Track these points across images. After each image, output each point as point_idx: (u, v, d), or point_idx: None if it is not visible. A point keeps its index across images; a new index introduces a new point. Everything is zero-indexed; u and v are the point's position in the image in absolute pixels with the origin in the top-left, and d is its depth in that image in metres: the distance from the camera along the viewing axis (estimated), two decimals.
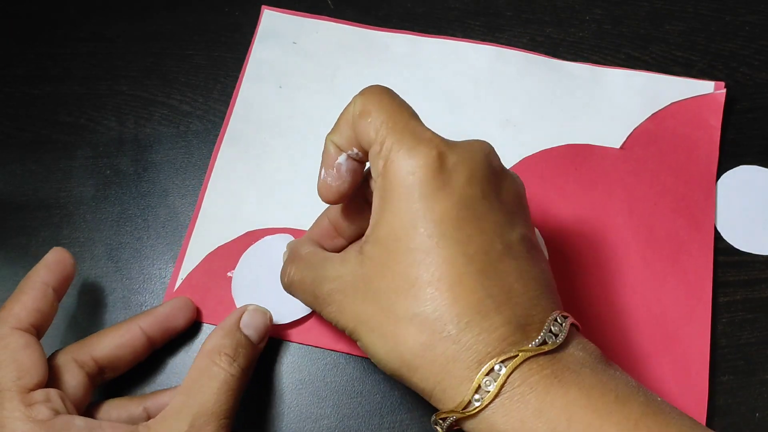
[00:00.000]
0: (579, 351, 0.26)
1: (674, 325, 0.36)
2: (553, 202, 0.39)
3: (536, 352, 0.25)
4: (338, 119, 0.30)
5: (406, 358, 0.26)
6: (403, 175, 0.27)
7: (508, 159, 0.40)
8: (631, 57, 0.44)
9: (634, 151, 0.40)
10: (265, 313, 0.34)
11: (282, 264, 0.34)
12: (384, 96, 0.29)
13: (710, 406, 0.35)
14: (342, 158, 0.30)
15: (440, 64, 0.43)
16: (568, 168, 0.40)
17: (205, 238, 0.39)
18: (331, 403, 0.36)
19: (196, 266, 0.38)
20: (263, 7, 0.45)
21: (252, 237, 0.39)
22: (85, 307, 0.38)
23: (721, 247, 0.38)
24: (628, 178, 0.40)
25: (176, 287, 0.38)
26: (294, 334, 0.37)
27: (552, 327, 0.26)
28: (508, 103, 0.42)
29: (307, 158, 0.41)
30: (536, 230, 0.38)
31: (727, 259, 0.38)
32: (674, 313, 0.36)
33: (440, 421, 0.27)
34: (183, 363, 0.37)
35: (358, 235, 0.32)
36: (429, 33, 0.44)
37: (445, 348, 0.26)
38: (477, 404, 0.25)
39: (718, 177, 0.40)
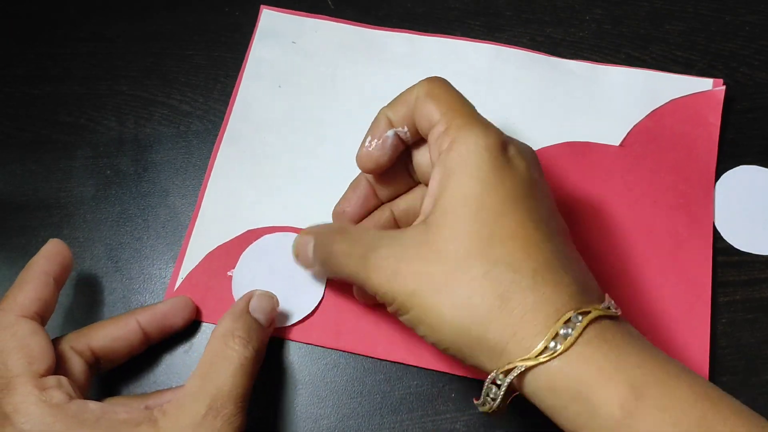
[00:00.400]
0: (633, 328, 0.28)
1: (674, 323, 0.36)
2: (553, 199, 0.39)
3: (605, 314, 0.26)
4: (397, 97, 0.32)
5: (480, 312, 0.26)
6: (474, 149, 0.28)
7: None
8: (631, 57, 0.44)
9: (633, 149, 0.40)
10: (272, 297, 0.35)
11: (281, 262, 0.34)
12: (449, 86, 0.31)
13: None
14: (390, 132, 0.32)
15: (440, 63, 0.43)
16: (568, 165, 0.40)
17: (205, 237, 0.39)
18: (331, 403, 0.36)
19: (196, 266, 0.38)
20: (262, 6, 0.45)
21: (252, 236, 0.39)
22: (85, 307, 0.38)
23: (720, 247, 0.38)
24: (627, 175, 0.40)
25: (176, 287, 0.38)
26: (294, 332, 0.37)
27: (611, 301, 0.28)
28: (507, 101, 0.42)
29: (306, 157, 0.41)
30: None
31: (727, 259, 0.38)
32: (674, 310, 0.36)
33: (501, 377, 0.26)
34: (183, 363, 0.37)
35: (393, 197, 0.35)
36: (429, 33, 0.44)
37: (523, 298, 0.26)
38: (551, 350, 0.25)
39: (717, 177, 0.40)
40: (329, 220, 0.37)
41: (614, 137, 0.41)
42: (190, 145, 0.42)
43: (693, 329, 0.36)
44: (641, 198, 0.39)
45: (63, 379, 0.30)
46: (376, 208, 0.36)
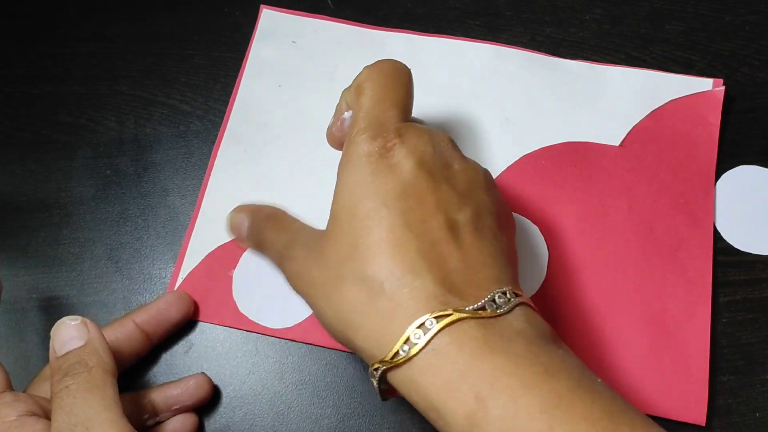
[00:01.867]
0: (521, 323, 0.27)
1: (674, 323, 0.36)
2: (553, 199, 0.39)
3: (472, 316, 0.26)
4: (354, 79, 0.32)
5: (349, 317, 0.27)
6: (358, 156, 0.29)
7: (508, 157, 0.40)
8: (631, 57, 0.44)
9: (633, 149, 0.40)
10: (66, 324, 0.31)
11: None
12: (381, 78, 0.32)
13: (710, 406, 0.35)
14: (347, 115, 0.33)
15: (439, 63, 0.43)
16: (568, 166, 0.40)
17: (205, 237, 0.39)
18: (331, 403, 0.36)
19: (197, 266, 0.38)
20: (262, 6, 0.45)
21: None
22: (85, 308, 0.38)
23: (721, 246, 0.38)
24: (627, 175, 0.40)
25: (177, 287, 0.38)
26: (294, 332, 0.37)
27: (496, 297, 0.27)
28: (507, 101, 0.42)
29: (306, 156, 0.41)
30: (536, 227, 0.38)
31: (727, 258, 0.38)
32: (674, 310, 0.36)
33: (374, 372, 0.27)
34: (183, 363, 0.37)
35: None
36: (429, 33, 0.44)
37: (382, 304, 0.26)
38: (403, 354, 0.25)
39: (717, 177, 0.40)
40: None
41: (614, 137, 0.41)
42: (190, 145, 0.42)
43: (693, 329, 0.36)
44: (641, 198, 0.39)
45: (22, 395, 0.30)
46: None
